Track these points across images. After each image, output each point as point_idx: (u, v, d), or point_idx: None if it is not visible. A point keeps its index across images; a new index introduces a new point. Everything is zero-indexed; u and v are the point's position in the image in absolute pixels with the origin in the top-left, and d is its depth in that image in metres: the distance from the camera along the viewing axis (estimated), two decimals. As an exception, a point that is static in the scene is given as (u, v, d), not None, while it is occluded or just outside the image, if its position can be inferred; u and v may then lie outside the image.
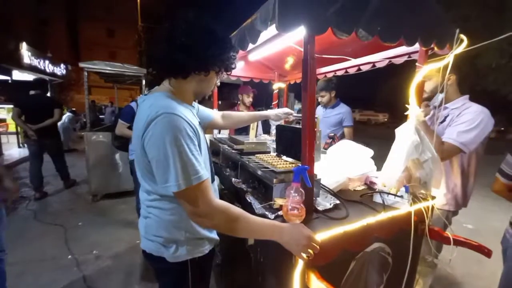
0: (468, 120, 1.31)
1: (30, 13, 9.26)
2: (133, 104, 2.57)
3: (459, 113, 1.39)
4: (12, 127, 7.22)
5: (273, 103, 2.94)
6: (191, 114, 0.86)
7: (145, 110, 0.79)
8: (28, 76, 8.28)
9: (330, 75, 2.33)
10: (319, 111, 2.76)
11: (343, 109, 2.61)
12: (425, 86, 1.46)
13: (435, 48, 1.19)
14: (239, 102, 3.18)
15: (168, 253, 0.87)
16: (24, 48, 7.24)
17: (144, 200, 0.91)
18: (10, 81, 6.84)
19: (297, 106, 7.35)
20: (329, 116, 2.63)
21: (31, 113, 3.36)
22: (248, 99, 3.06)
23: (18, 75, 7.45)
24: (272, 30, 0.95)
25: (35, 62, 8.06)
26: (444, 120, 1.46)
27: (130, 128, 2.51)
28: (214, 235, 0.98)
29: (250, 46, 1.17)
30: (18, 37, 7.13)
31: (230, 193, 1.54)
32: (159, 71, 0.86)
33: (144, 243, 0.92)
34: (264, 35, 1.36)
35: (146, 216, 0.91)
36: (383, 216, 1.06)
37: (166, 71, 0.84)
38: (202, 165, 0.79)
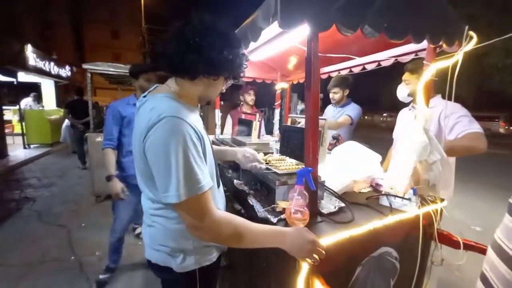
0: (462, 115, 1.41)
1: (35, 15, 9.37)
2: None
3: (440, 111, 1.46)
4: (17, 128, 7.31)
5: (275, 104, 2.91)
6: (196, 117, 0.81)
7: (146, 113, 0.74)
8: (34, 78, 8.39)
9: (334, 74, 2.29)
10: (329, 110, 2.61)
11: (351, 107, 2.44)
12: (405, 89, 1.67)
13: (444, 46, 1.15)
14: (241, 103, 3.15)
15: (175, 263, 0.82)
16: (29, 50, 7.32)
17: (147, 209, 0.86)
18: (15, 83, 6.90)
19: (300, 106, 7.29)
20: (336, 116, 2.48)
21: (76, 112, 4.83)
22: (249, 97, 2.99)
23: (23, 77, 7.53)
24: (274, 28, 0.92)
25: (40, 64, 8.15)
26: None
27: None
28: None
29: (252, 45, 1.14)
30: (23, 39, 7.21)
31: (232, 195, 1.51)
32: (167, 69, 0.80)
33: (149, 252, 0.87)
34: (267, 34, 1.33)
35: (150, 225, 0.86)
36: (390, 219, 1.03)
37: (174, 70, 0.79)
38: (205, 173, 0.74)
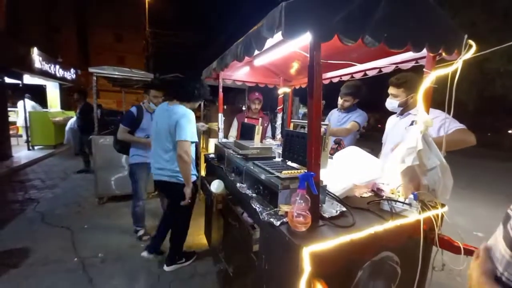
0: (444, 117, 1.46)
1: (41, 19, 9.52)
2: (133, 109, 2.55)
3: None
4: (21, 130, 7.37)
5: (278, 108, 2.94)
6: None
7: (175, 111, 1.84)
8: (39, 81, 8.48)
9: (335, 80, 2.32)
10: (334, 115, 2.56)
11: (357, 113, 2.37)
12: (394, 101, 1.77)
13: (443, 54, 1.18)
14: (244, 108, 3.19)
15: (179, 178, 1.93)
16: (35, 53, 7.42)
17: (162, 154, 1.93)
18: (21, 85, 6.99)
19: (302, 110, 7.33)
20: (341, 121, 2.43)
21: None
22: (254, 106, 3.00)
23: (29, 79, 7.62)
24: (278, 36, 0.95)
25: (46, 66, 8.24)
26: (412, 124, 1.66)
27: (130, 133, 2.53)
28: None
29: (256, 52, 1.17)
30: (29, 42, 7.31)
31: (234, 198, 1.53)
32: (180, 98, 1.93)
33: (162, 177, 1.96)
34: (270, 41, 1.36)
35: (164, 167, 1.94)
36: (391, 224, 1.04)
37: (185, 99, 1.95)
38: (194, 135, 1.84)
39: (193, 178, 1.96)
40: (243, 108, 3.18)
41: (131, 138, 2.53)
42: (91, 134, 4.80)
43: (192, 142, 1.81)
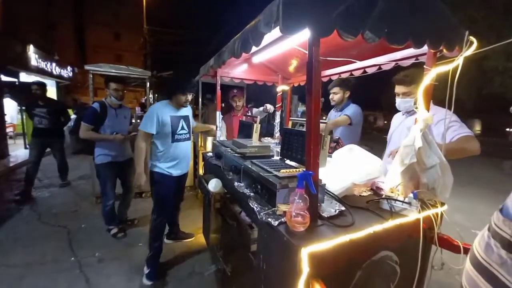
0: (453, 120, 1.42)
1: (37, 16, 9.43)
2: (95, 105, 2.41)
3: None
4: (19, 128, 7.31)
5: (276, 106, 2.92)
6: (168, 110, 2.03)
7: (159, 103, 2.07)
8: (35, 78, 8.41)
9: (335, 77, 2.29)
10: (332, 115, 2.53)
11: (352, 109, 2.31)
12: (408, 99, 1.64)
13: (444, 50, 1.16)
14: (230, 105, 3.29)
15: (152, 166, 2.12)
16: (31, 51, 7.35)
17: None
18: (17, 83, 6.92)
19: (301, 108, 7.31)
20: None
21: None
22: (235, 104, 3.15)
23: (25, 77, 7.55)
24: (276, 32, 0.93)
25: (42, 64, 8.17)
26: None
27: (95, 130, 2.39)
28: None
29: (254, 48, 1.15)
30: (25, 40, 7.24)
31: (232, 197, 1.52)
32: (169, 94, 2.06)
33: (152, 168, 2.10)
34: (268, 37, 1.34)
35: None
36: (390, 223, 1.03)
37: (167, 97, 2.08)
38: (149, 126, 1.94)
39: (155, 169, 2.03)
40: (233, 109, 3.23)
41: (96, 136, 2.39)
42: (63, 137, 4.09)
43: (151, 133, 1.95)
